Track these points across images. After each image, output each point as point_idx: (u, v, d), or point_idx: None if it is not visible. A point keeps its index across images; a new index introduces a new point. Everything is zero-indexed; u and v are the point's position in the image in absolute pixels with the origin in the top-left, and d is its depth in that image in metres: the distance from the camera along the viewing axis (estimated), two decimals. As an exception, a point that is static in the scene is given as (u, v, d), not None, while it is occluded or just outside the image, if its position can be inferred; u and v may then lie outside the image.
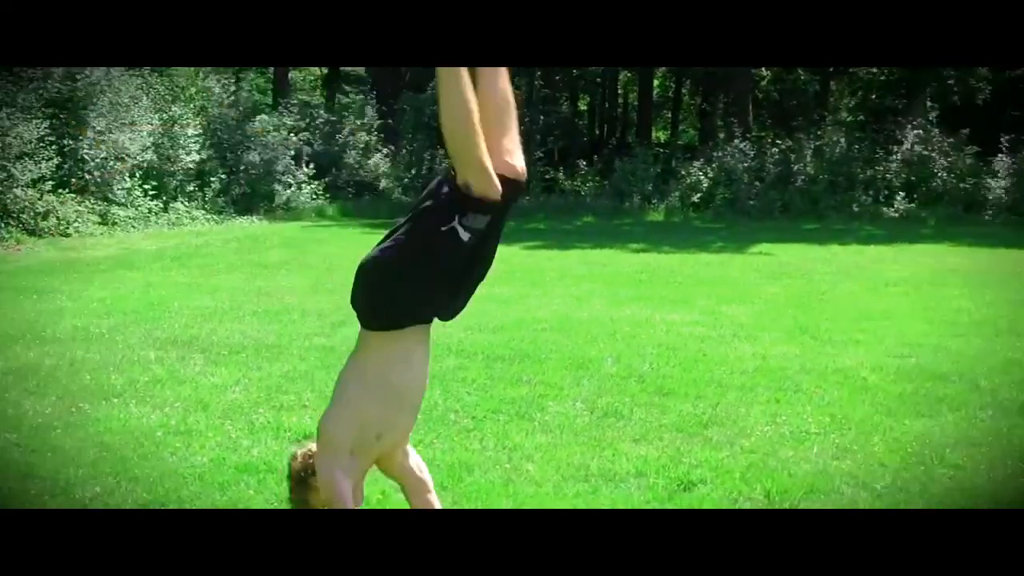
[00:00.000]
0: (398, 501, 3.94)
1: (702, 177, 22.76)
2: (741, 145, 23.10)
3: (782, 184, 22.44)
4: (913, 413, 5.93)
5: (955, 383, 6.63)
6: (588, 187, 24.30)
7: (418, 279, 3.16)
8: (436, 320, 3.35)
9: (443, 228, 3.11)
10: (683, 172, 23.09)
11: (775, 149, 23.02)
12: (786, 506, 4.41)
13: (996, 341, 8.05)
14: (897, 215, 21.32)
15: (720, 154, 23.05)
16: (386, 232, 3.27)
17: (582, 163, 25.05)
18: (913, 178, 21.98)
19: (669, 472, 4.80)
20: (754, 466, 4.91)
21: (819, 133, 23.64)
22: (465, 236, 3.13)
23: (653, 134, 32.74)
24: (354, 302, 3.26)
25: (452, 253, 3.14)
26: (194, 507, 4.30)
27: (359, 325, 3.29)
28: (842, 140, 23.64)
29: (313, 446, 3.39)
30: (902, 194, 21.71)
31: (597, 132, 34.00)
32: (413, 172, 24.00)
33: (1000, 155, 22.13)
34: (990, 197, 21.66)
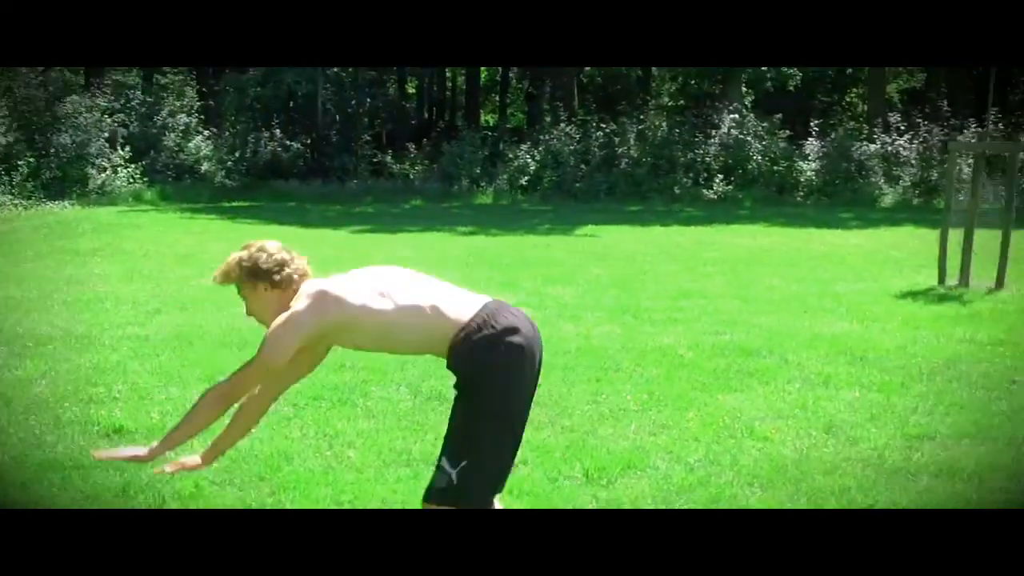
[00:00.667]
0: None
1: (529, 160, 22.98)
2: (567, 129, 23.43)
3: (607, 167, 22.88)
4: (726, 388, 6.14)
5: (766, 358, 6.90)
6: (417, 171, 24.20)
7: None
8: None
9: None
10: (511, 155, 23.26)
11: (600, 133, 23.44)
12: (604, 482, 4.49)
13: (804, 317, 8.41)
14: (716, 197, 22.03)
15: (547, 137, 23.32)
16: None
17: (411, 147, 24.93)
18: (730, 161, 22.75)
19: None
20: (574, 445, 4.98)
21: (642, 118, 24.18)
22: None
23: (482, 117, 32.91)
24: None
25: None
26: (-9, 508, 4.06)
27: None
28: (664, 124, 24.28)
29: (293, 254, 3.27)
30: (720, 176, 22.45)
31: (426, 115, 33.90)
32: (237, 155, 23.38)
33: (810, 139, 23.14)
34: (801, 179, 22.63)
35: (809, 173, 22.64)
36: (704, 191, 22.29)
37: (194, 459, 3.34)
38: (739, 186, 22.42)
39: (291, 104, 24.65)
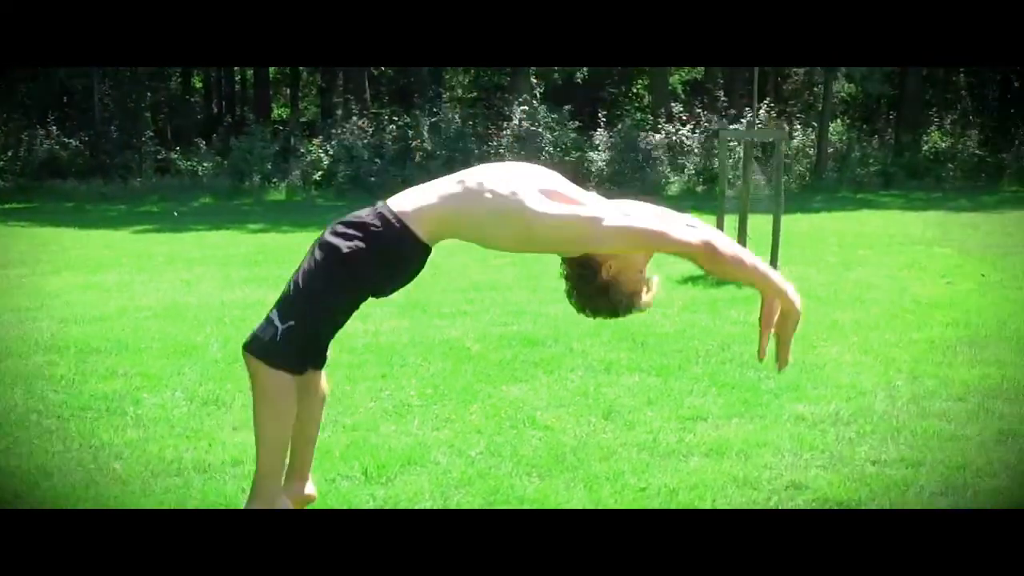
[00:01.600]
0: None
1: (322, 155, 22.65)
2: (359, 122, 23.22)
3: (401, 160, 22.79)
4: (511, 379, 6.18)
5: (551, 347, 6.99)
6: (206, 167, 23.45)
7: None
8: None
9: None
10: (303, 150, 22.86)
11: (393, 126, 23.32)
12: (383, 480, 4.43)
13: (672, 311, 8.56)
14: (511, 188, 22.28)
15: (339, 131, 23.04)
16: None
17: (201, 143, 24.14)
18: (523, 152, 23.04)
19: (267, 458, 4.68)
20: (355, 444, 4.90)
21: (435, 110, 24.21)
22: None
23: (275, 111, 32.20)
24: None
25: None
26: None
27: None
28: (457, 117, 24.37)
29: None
30: (514, 168, 22.72)
31: (215, 109, 32.90)
32: (10, 154, 22.05)
33: (599, 130, 23.71)
34: (593, 169, 23.16)
35: (599, 163, 23.20)
36: (499, 182, 22.48)
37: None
38: (532, 177, 22.73)
39: (65, 100, 23.44)
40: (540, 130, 23.17)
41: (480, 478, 4.47)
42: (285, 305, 3.30)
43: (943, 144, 24.80)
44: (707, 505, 4.18)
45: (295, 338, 3.29)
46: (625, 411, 5.49)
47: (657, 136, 23.21)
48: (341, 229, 3.31)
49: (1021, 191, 19.47)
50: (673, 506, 4.18)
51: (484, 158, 22.79)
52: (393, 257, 3.31)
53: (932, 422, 5.21)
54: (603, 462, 4.70)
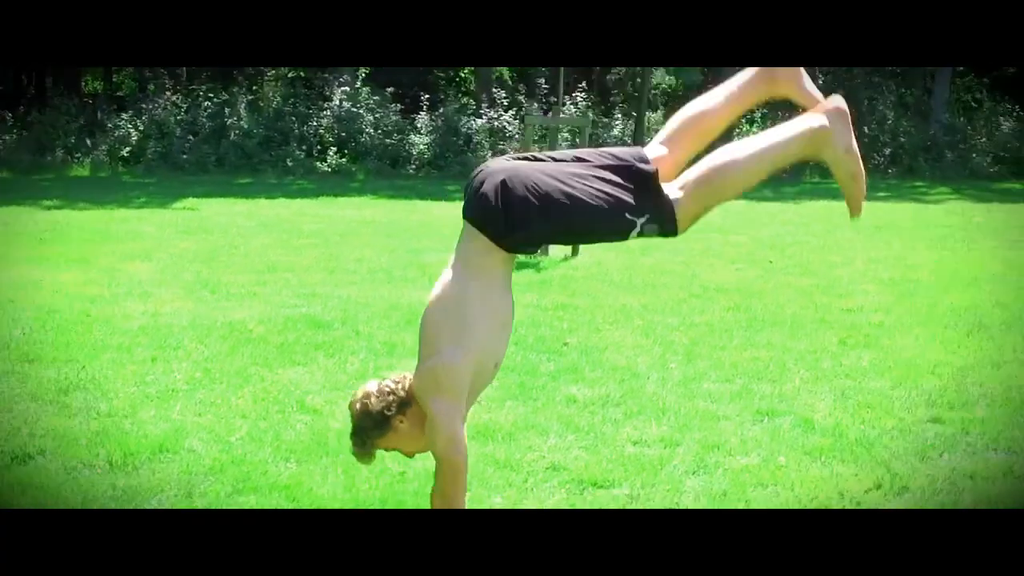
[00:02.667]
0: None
1: (131, 130, 21.75)
2: (173, 98, 22.42)
3: (216, 138, 22.10)
4: (289, 362, 6.03)
5: (337, 330, 6.86)
6: (5, 141, 22.18)
7: (569, 223, 3.13)
8: None
9: (627, 216, 3.14)
10: (111, 125, 21.90)
11: (208, 103, 22.59)
12: (128, 469, 4.23)
13: (386, 288, 8.48)
14: (330, 169, 21.94)
15: (151, 107, 22.19)
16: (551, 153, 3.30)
17: (8, 114, 22.79)
18: (343, 134, 22.72)
19: (4, 445, 4.40)
20: (105, 431, 4.67)
21: (255, 88, 23.56)
22: (632, 235, 3.17)
23: (89, 85, 30.77)
24: (499, 214, 3.11)
25: (604, 231, 3.21)
26: None
27: (470, 249, 3.19)
28: (277, 96, 23.80)
29: (387, 381, 3.25)
30: (334, 149, 22.36)
31: (24, 81, 31.17)
32: None
33: (422, 112, 23.55)
34: (414, 152, 22.99)
35: (421, 146, 23.05)
36: (318, 164, 22.11)
37: None
38: (352, 159, 22.44)
39: None
40: (361, 112, 22.86)
41: (234, 465, 4.32)
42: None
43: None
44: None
45: None
46: (399, 394, 5.40)
47: (479, 121, 23.22)
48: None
49: (822, 183, 20.30)
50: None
51: (304, 139, 22.37)
52: None
53: (697, 403, 5.33)
54: (366, 447, 4.60)
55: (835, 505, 4.03)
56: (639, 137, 23.95)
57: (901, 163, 23.57)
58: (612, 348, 6.51)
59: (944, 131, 24.04)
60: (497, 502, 4.04)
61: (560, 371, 5.96)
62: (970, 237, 12.36)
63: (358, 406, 3.27)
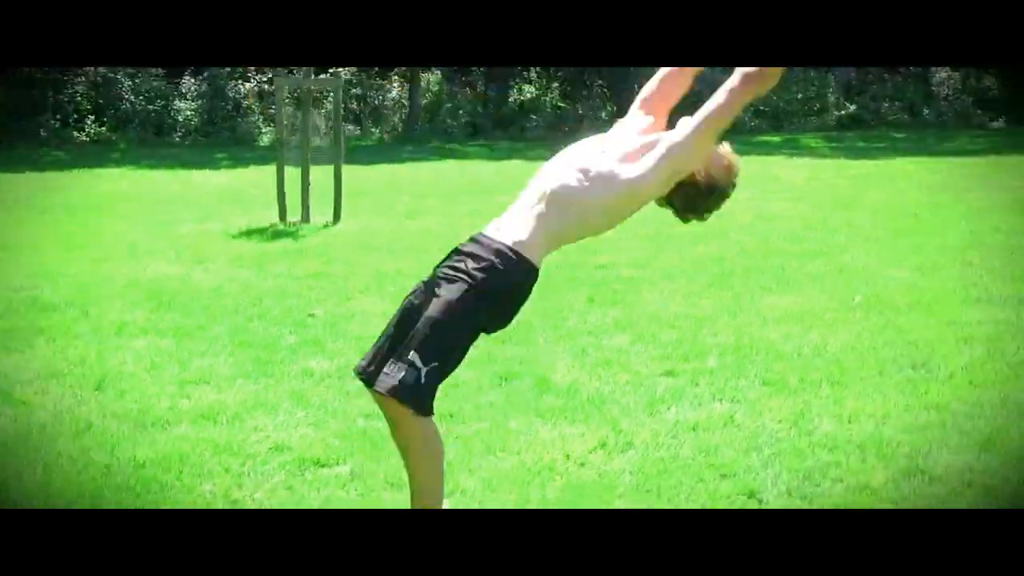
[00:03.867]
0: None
1: None
2: (-94, 65, 20.66)
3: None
4: (2, 350, 5.57)
5: (64, 312, 6.41)
6: None
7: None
8: None
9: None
10: None
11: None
12: None
13: (129, 263, 8.03)
14: (88, 139, 20.75)
15: None
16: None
17: None
18: (101, 101, 21.51)
19: None
20: None
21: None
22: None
23: None
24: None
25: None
26: None
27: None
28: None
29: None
30: (92, 118, 21.15)
31: None
32: None
33: (186, 76, 22.54)
34: (180, 119, 22.00)
35: (187, 112, 22.08)
36: (75, 133, 20.87)
37: None
38: (112, 127, 21.29)
39: None
40: (119, 77, 21.68)
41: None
42: (424, 345, 3.05)
43: (528, 95, 25.89)
44: (172, 477, 3.90)
45: (437, 378, 3.10)
46: (121, 379, 5.08)
47: (247, 84, 22.45)
48: (468, 267, 3.15)
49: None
50: (138, 481, 3.86)
51: (59, 108, 21.03)
52: (523, 290, 3.23)
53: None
54: (74, 439, 4.28)
55: (560, 467, 4.01)
56: (415, 102, 23.75)
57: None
58: (359, 317, 6.34)
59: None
60: (208, 489, 3.81)
61: (301, 344, 5.75)
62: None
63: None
